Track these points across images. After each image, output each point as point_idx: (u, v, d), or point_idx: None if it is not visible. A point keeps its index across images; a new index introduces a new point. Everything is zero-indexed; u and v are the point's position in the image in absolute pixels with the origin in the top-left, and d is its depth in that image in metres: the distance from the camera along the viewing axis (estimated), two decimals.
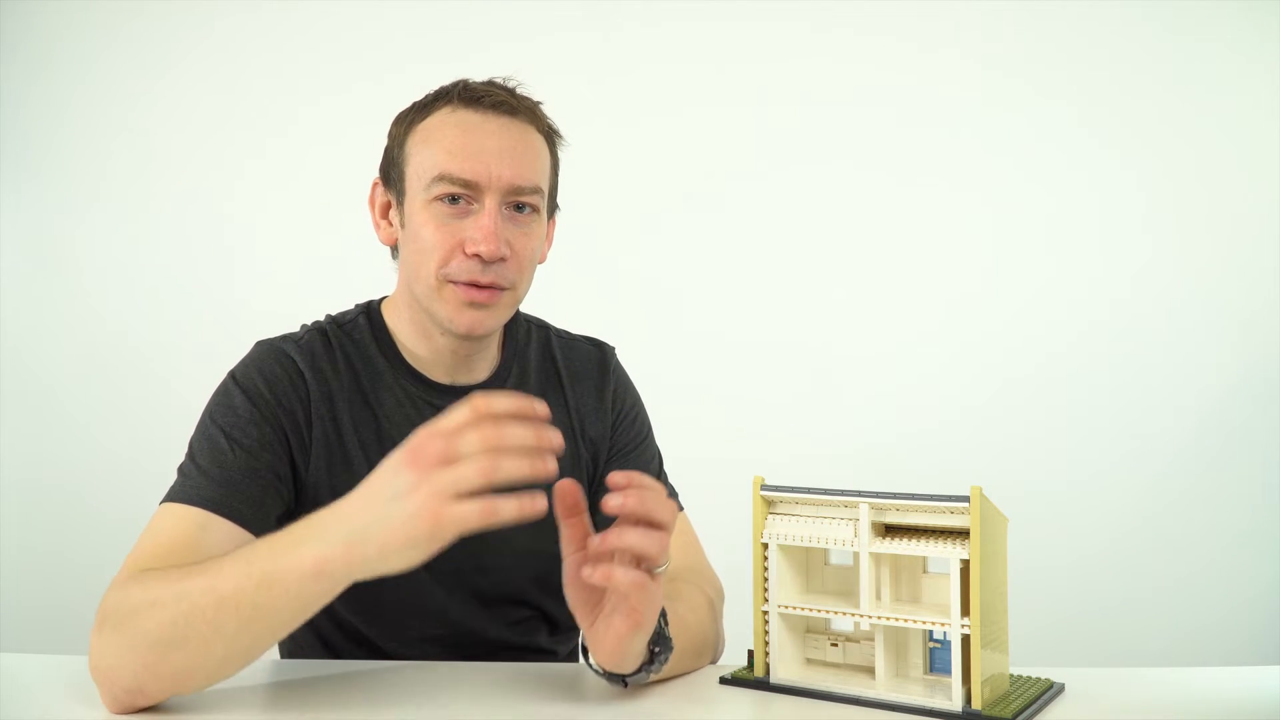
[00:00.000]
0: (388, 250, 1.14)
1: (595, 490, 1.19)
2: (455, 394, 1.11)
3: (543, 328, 1.22)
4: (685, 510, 1.20)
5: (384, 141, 1.12)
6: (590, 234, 2.29)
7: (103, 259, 2.35)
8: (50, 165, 2.36)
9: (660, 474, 1.23)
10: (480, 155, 1.02)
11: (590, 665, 0.90)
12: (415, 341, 1.11)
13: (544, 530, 1.17)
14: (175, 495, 0.96)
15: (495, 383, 1.14)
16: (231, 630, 0.78)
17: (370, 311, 1.14)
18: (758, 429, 2.33)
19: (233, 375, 1.05)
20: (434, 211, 1.03)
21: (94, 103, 2.35)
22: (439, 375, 1.11)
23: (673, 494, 1.21)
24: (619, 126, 2.32)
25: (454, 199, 1.02)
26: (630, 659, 0.87)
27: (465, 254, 1.02)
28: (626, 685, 0.90)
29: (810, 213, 2.38)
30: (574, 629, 1.15)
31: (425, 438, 0.75)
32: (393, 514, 0.73)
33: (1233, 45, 2.32)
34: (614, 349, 1.25)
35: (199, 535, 0.93)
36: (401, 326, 1.11)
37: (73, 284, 2.36)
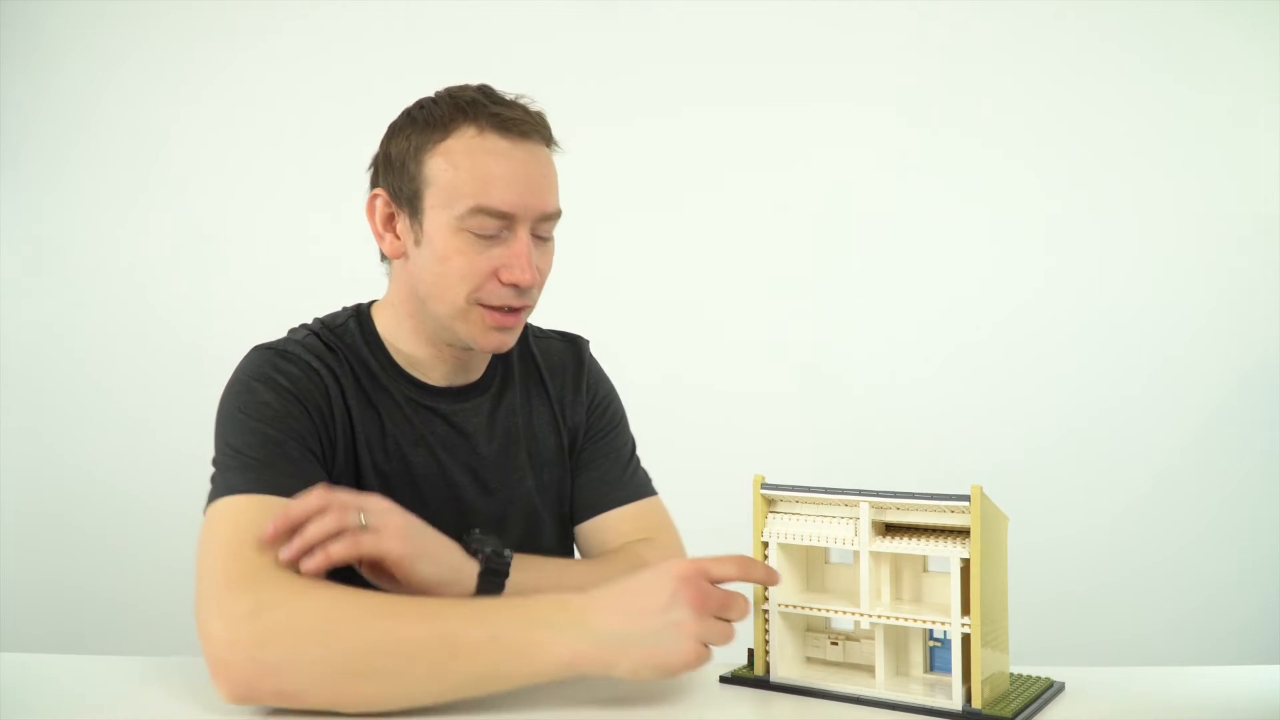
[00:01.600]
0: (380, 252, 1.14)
1: (573, 472, 1.23)
2: (450, 395, 1.13)
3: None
4: (659, 495, 1.24)
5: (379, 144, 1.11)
6: (589, 232, 2.30)
7: (107, 257, 2.35)
8: (55, 165, 2.36)
9: (632, 458, 1.26)
10: (514, 187, 1.03)
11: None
12: (413, 347, 1.11)
13: (534, 530, 1.18)
14: (238, 487, 0.93)
15: (485, 383, 1.16)
16: (454, 680, 0.82)
17: (360, 316, 1.14)
18: (758, 428, 2.33)
19: (250, 377, 1.03)
20: (466, 240, 1.03)
21: (99, 104, 2.35)
22: (434, 378, 1.13)
23: (645, 479, 1.25)
24: (611, 123, 2.32)
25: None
26: (443, 577, 0.93)
27: (501, 281, 1.04)
28: (502, 581, 0.96)
29: (809, 211, 2.38)
30: None
31: (705, 579, 0.84)
32: (663, 638, 0.82)
33: (1232, 43, 2.32)
34: (588, 342, 1.28)
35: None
36: (397, 332, 1.12)
37: (78, 281, 2.36)
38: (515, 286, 1.04)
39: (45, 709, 0.86)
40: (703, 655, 0.82)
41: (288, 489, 0.93)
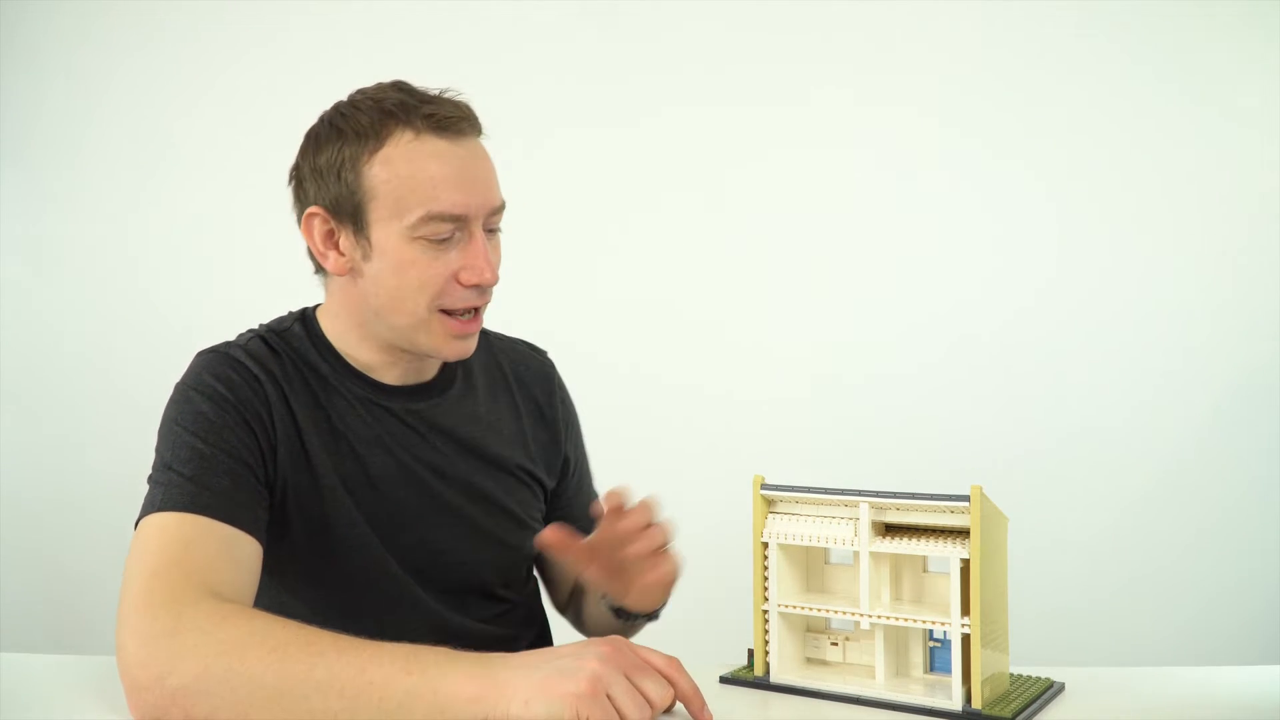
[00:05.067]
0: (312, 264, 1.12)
1: (558, 501, 1.22)
2: (404, 394, 1.11)
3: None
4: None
5: None
6: (588, 233, 2.30)
7: (107, 257, 2.35)
8: (55, 166, 2.36)
9: (591, 478, 1.29)
10: (462, 188, 1.01)
11: (624, 612, 1.08)
12: (364, 353, 1.09)
13: (500, 521, 1.15)
14: (167, 504, 0.92)
15: (442, 382, 1.14)
16: (362, 716, 0.76)
17: (305, 320, 1.12)
18: (757, 428, 2.33)
19: (190, 386, 1.02)
20: (420, 248, 1.01)
21: (100, 104, 2.36)
22: (389, 379, 1.11)
23: (594, 497, 1.26)
24: (609, 123, 2.31)
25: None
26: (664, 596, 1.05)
27: (461, 284, 1.02)
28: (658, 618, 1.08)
29: (810, 212, 2.38)
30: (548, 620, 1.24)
31: (629, 646, 0.81)
32: (561, 669, 0.76)
33: (1232, 42, 2.32)
34: (548, 353, 1.28)
35: (201, 543, 0.90)
36: (345, 338, 1.10)
37: (78, 281, 2.36)
38: (477, 287, 1.03)
39: (45, 709, 0.86)
40: (597, 703, 0.73)
41: (212, 509, 0.92)
